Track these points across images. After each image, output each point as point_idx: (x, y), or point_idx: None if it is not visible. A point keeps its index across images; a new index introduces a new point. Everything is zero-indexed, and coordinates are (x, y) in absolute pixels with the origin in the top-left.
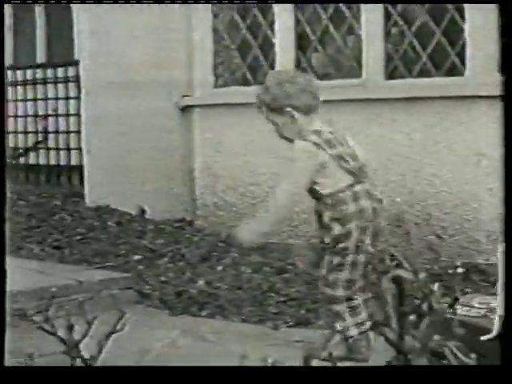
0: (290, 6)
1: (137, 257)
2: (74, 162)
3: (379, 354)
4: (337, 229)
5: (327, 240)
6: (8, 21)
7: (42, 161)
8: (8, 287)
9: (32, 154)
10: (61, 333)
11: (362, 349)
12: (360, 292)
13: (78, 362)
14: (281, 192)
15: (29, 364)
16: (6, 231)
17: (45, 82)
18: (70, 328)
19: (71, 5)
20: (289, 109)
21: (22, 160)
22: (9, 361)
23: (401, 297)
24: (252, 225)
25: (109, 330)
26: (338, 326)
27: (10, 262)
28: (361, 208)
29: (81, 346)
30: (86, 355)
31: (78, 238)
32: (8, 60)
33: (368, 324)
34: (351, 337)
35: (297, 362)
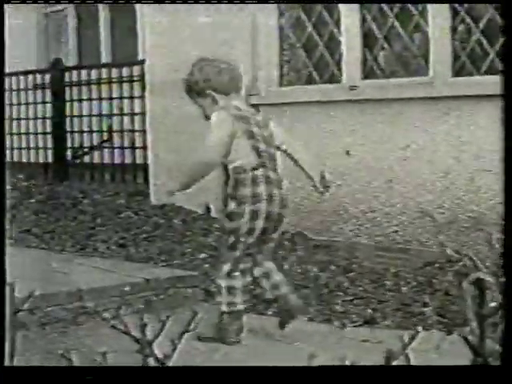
0: (355, 5)
1: (202, 255)
2: (138, 160)
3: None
4: (232, 206)
5: (225, 214)
6: (72, 22)
7: (106, 160)
8: (74, 285)
9: (97, 153)
10: (132, 331)
11: (233, 331)
12: (243, 274)
13: (151, 362)
14: (196, 160)
15: (102, 364)
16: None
17: (110, 81)
18: (143, 327)
19: (135, 5)
20: (209, 91)
21: (86, 159)
22: (78, 360)
23: (481, 299)
24: (171, 186)
25: (181, 329)
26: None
27: (76, 260)
28: (256, 192)
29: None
30: (159, 354)
31: (144, 236)
32: (73, 60)
33: (241, 307)
34: (223, 312)
35: (365, 361)
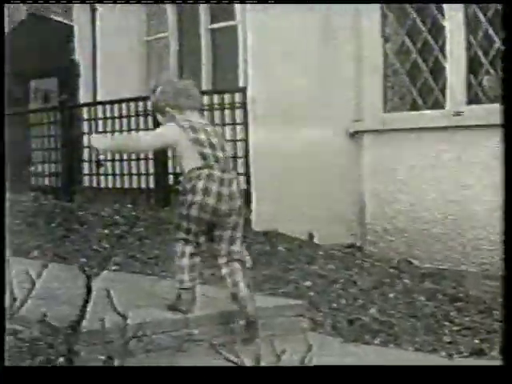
0: (462, 30)
1: (307, 283)
2: (242, 186)
3: None
4: (181, 198)
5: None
6: (173, 48)
7: None
8: (189, 312)
9: None
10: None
11: (186, 302)
12: (190, 256)
13: None
14: (138, 136)
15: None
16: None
17: (211, 108)
18: (258, 357)
19: (239, 31)
20: (167, 108)
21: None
22: None
23: None
24: (107, 139)
25: (296, 360)
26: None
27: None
28: (195, 187)
29: None
30: None
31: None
32: None
33: (191, 284)
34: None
35: None
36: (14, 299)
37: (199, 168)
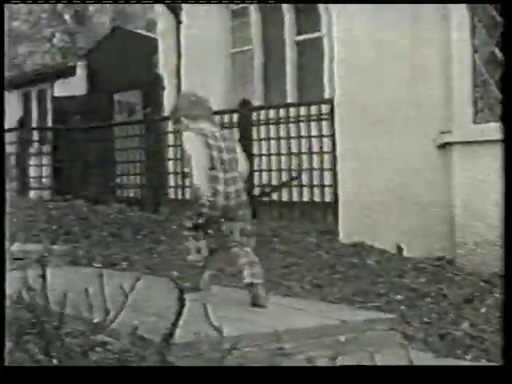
0: None
1: (399, 296)
2: (327, 198)
3: None
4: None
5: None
6: (258, 61)
7: (295, 197)
8: (271, 325)
9: (285, 191)
10: None
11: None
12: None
13: None
14: (194, 168)
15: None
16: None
17: (298, 120)
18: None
19: (325, 42)
20: (183, 118)
21: (274, 197)
22: None
23: None
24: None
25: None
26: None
27: (271, 299)
28: (213, 189)
29: None
30: None
31: (338, 276)
32: (259, 98)
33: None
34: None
35: None
36: (107, 312)
37: (209, 168)
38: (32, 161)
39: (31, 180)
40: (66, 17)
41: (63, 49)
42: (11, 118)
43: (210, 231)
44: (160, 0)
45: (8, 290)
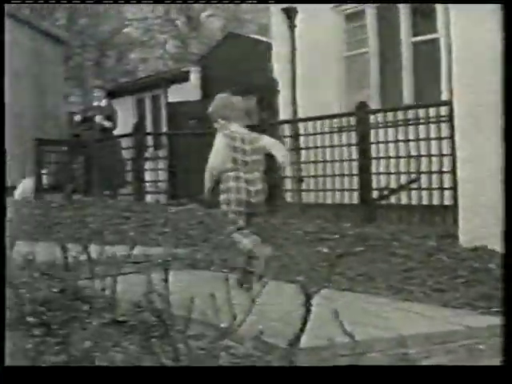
0: None
1: None
2: (447, 201)
3: None
4: (221, 196)
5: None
6: (374, 63)
7: (414, 201)
8: (394, 331)
9: (404, 194)
10: None
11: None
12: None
13: None
14: (207, 166)
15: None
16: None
17: (416, 122)
18: None
19: (441, 43)
20: (218, 119)
21: (393, 200)
22: None
23: None
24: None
25: None
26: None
27: (392, 304)
28: (228, 187)
29: None
30: None
31: (460, 280)
32: (375, 100)
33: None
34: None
35: None
36: (234, 317)
37: (229, 170)
38: (148, 165)
39: (147, 184)
40: (178, 22)
41: (175, 54)
42: (126, 124)
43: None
44: (160, 0)
45: (126, 294)
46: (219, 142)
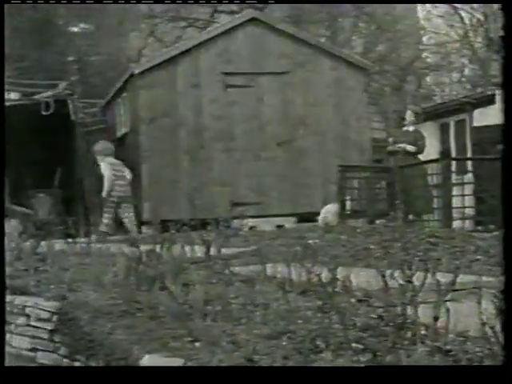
0: None
1: None
2: None
3: None
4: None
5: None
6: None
7: None
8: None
9: None
10: None
11: None
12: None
13: None
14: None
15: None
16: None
17: None
18: None
19: None
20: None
21: None
22: None
23: None
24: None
25: None
26: None
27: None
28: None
29: None
30: None
31: None
32: None
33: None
34: None
35: None
36: None
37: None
38: (454, 191)
39: (453, 210)
40: (477, 45)
41: (473, 77)
42: (432, 149)
43: None
44: (160, 0)
45: (450, 323)
46: (105, 168)
